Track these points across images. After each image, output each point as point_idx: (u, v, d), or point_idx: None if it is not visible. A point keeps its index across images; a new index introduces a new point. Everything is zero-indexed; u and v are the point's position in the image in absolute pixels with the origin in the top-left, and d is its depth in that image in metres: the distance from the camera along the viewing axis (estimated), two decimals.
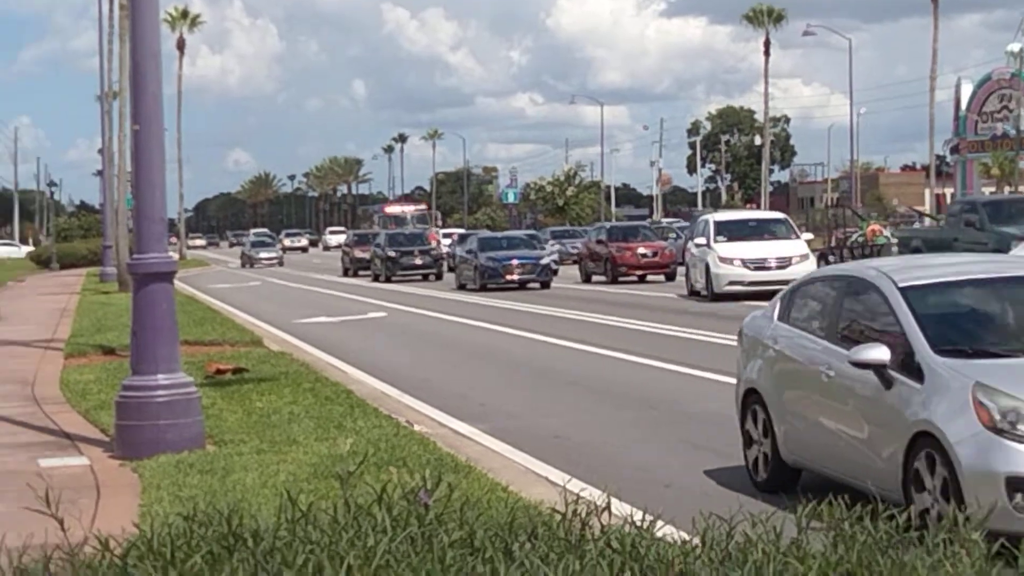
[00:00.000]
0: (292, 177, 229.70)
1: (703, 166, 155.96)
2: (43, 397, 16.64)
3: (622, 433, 13.98)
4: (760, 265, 33.44)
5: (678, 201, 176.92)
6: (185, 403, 12.32)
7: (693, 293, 35.39)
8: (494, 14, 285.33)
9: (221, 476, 10.73)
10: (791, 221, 37.70)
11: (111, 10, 52.26)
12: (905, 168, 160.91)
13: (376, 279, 55.35)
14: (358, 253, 61.11)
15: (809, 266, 33.05)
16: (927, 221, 47.83)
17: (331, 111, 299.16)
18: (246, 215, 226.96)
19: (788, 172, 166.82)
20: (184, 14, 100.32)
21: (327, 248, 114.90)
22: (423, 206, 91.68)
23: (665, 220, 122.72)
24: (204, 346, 22.57)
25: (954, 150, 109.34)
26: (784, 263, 33.22)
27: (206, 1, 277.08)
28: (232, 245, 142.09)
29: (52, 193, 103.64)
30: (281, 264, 79.44)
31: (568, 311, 32.26)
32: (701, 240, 35.10)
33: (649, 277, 45.40)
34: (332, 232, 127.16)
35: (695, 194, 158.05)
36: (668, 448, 12.99)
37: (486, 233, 59.28)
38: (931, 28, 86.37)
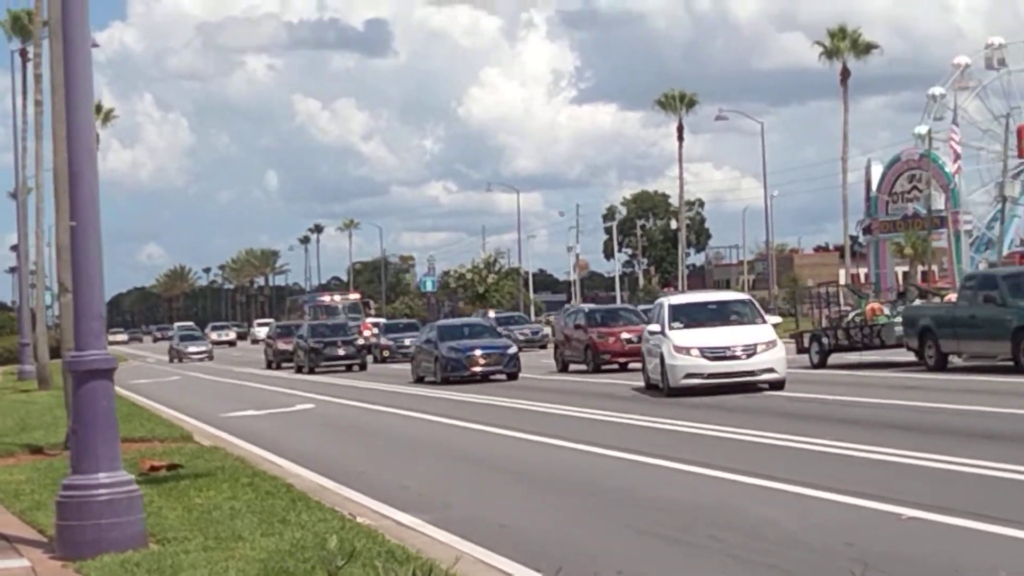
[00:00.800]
0: (207, 270, 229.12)
1: (620, 251, 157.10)
2: None
3: (568, 520, 13.91)
4: (721, 355, 29.12)
5: (595, 286, 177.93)
6: (127, 501, 12.15)
7: (651, 386, 31.42)
8: (405, 103, 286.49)
9: (170, 575, 10.58)
10: (756, 303, 33.21)
11: (24, 107, 52.05)
12: (818, 249, 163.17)
13: (299, 371, 55.07)
14: (281, 345, 60.82)
15: (778, 354, 29.50)
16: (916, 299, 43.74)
17: (244, 203, 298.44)
18: (161, 309, 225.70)
19: (704, 255, 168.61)
20: (98, 109, 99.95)
21: (255, 341, 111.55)
22: (356, 295, 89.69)
23: (585, 305, 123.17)
24: (133, 443, 22.24)
25: (867, 230, 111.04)
26: (750, 351, 29.14)
27: (117, 95, 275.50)
28: (157, 340, 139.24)
29: None
30: (211, 358, 78.31)
31: (510, 400, 32.15)
32: (655, 327, 30.79)
33: (631, 364, 40.28)
34: (260, 324, 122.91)
35: (612, 279, 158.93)
36: (614, 534, 12.93)
37: (446, 320, 56.04)
38: (838, 111, 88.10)
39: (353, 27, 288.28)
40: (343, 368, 54.21)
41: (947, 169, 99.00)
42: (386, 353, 62.25)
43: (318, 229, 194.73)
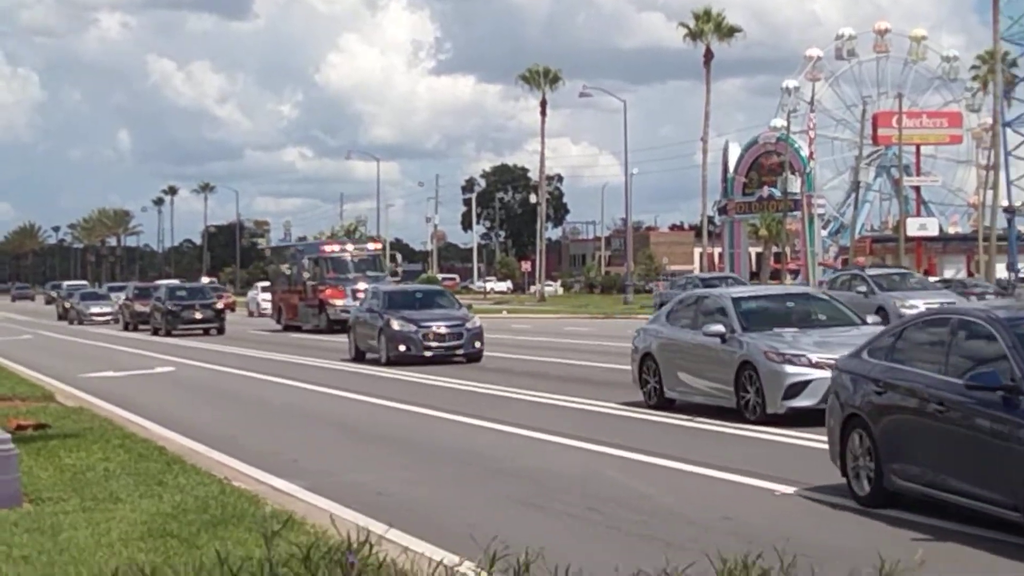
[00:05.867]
0: (56, 228, 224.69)
1: (478, 223, 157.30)
2: None
3: (445, 490, 13.98)
4: None
5: (451, 257, 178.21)
6: (3, 460, 11.96)
7: None
8: (262, 68, 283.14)
9: (51, 535, 10.47)
10: None
11: None
12: (674, 227, 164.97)
13: (156, 333, 54.36)
14: (138, 307, 59.86)
15: None
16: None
17: (95, 162, 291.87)
18: (8, 267, 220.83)
19: (561, 230, 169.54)
20: None
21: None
22: (376, 245, 66.24)
23: (441, 275, 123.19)
24: None
25: (722, 211, 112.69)
26: None
27: None
28: (50, 301, 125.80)
29: None
30: (118, 321, 67.21)
31: (369, 368, 32.06)
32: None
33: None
34: (265, 288, 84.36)
35: (469, 250, 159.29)
36: (494, 504, 13.01)
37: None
38: (695, 91, 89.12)
39: None
40: (200, 331, 53.61)
41: (803, 153, 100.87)
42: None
43: (172, 191, 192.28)
